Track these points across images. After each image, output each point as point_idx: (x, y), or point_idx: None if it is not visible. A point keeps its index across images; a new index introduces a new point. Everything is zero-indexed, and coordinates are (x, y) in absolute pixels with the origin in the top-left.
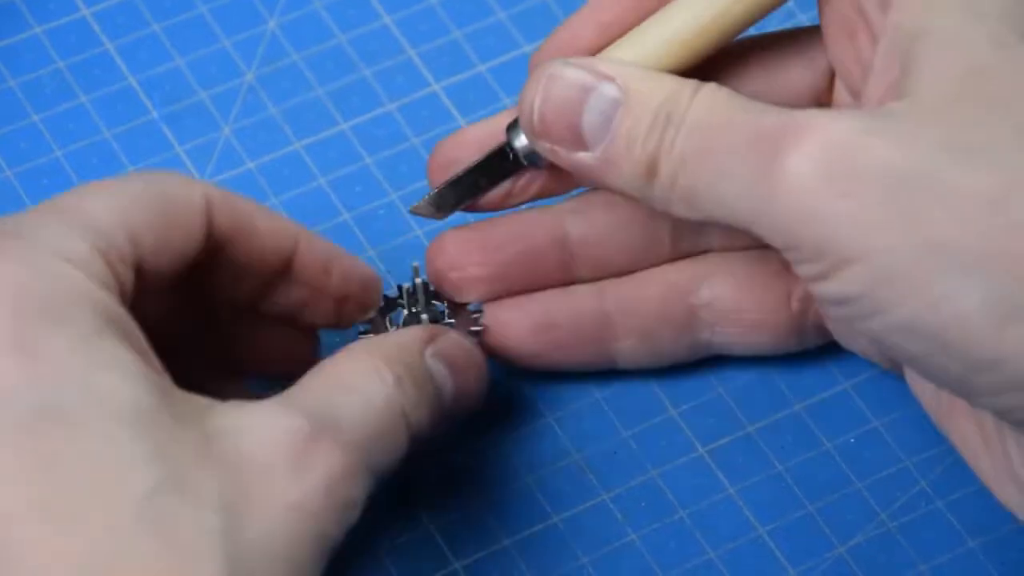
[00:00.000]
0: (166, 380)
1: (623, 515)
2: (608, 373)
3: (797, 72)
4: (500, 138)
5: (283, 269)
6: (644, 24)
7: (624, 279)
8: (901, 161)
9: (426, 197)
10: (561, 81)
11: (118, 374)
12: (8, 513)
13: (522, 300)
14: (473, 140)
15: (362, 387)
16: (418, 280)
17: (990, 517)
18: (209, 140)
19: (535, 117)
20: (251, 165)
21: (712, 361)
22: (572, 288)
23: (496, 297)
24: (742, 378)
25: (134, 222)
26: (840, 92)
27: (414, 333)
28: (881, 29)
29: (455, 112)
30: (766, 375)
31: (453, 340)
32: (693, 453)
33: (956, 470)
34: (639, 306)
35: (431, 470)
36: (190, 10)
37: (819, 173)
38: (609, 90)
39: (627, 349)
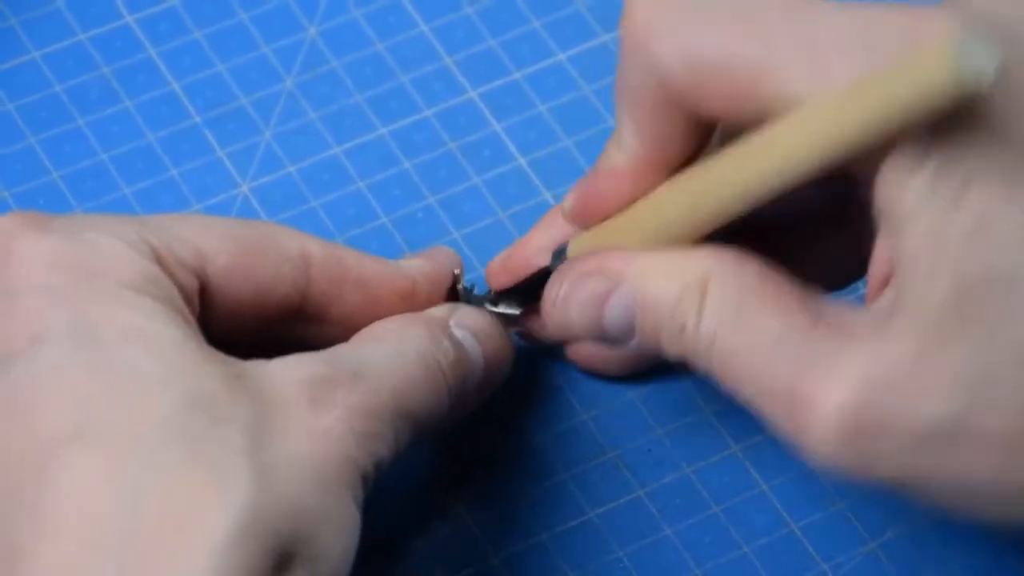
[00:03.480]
0: (199, 333)
1: (658, 510)
2: (641, 376)
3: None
4: (535, 261)
5: (405, 307)
6: (656, 195)
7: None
8: (920, 415)
9: (493, 297)
10: (575, 297)
11: (147, 312)
12: (53, 437)
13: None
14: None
15: (392, 340)
16: (459, 286)
17: None
18: (250, 144)
19: (563, 332)
20: (291, 169)
21: None
22: None
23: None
24: None
25: (202, 238)
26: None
27: (439, 309)
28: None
29: (491, 118)
30: None
31: (472, 311)
32: (726, 450)
33: None
34: None
35: (472, 467)
36: (231, 17)
37: (843, 449)
38: (623, 298)
39: None
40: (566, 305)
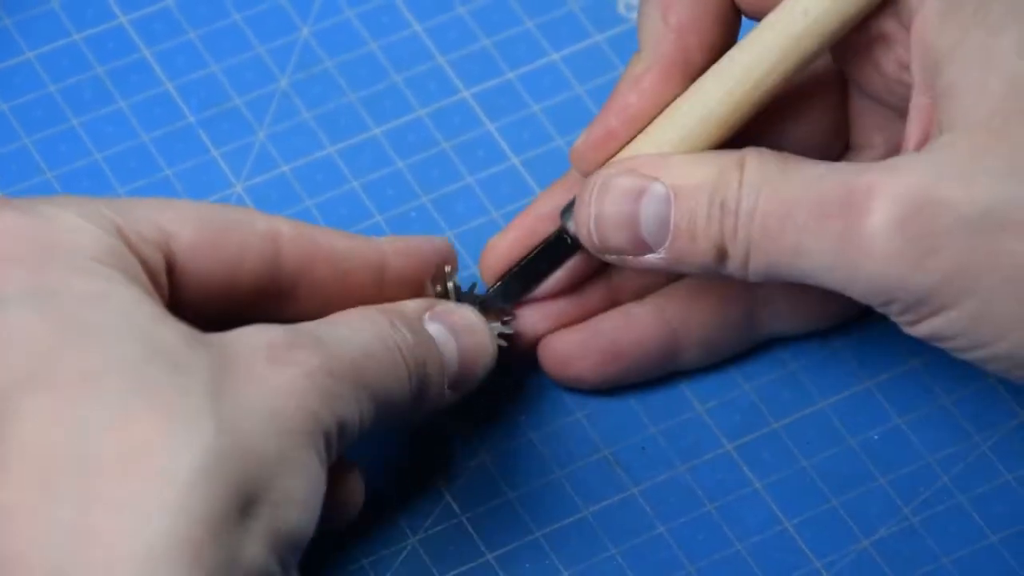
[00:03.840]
0: (160, 302)
1: (652, 508)
2: (615, 384)
3: (817, 100)
4: (547, 226)
5: (375, 285)
6: (678, 103)
7: (676, 291)
8: (974, 205)
9: (491, 290)
10: (610, 195)
11: (106, 278)
12: (7, 386)
13: (583, 334)
14: (516, 238)
15: (351, 321)
16: (449, 283)
17: (1012, 512)
18: (244, 144)
19: (595, 238)
20: (285, 169)
21: (737, 360)
22: (629, 310)
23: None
24: (767, 376)
25: (166, 216)
26: (860, 103)
27: (415, 303)
28: (901, 42)
29: (484, 118)
30: (791, 373)
31: (451, 306)
32: (720, 449)
33: (977, 466)
34: (701, 317)
35: (465, 464)
36: (225, 18)
37: (900, 240)
38: (658, 191)
39: (689, 358)
40: (601, 201)
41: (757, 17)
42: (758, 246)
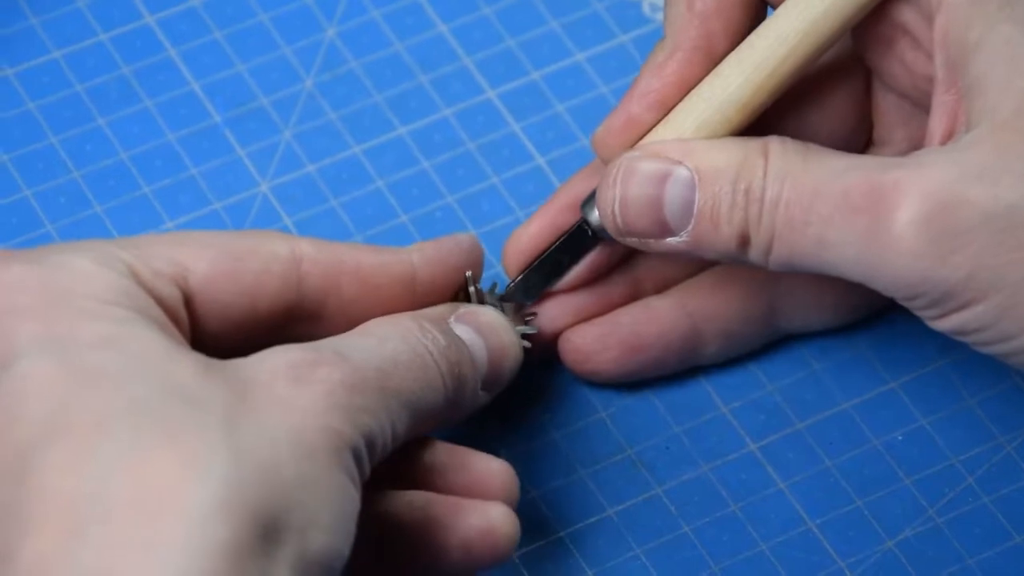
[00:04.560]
0: (175, 338)
1: (676, 508)
2: (636, 378)
3: (841, 92)
4: (568, 217)
5: (407, 296)
6: (699, 89)
7: (697, 285)
8: (999, 203)
9: (512, 284)
10: (635, 177)
11: (117, 320)
12: (26, 440)
13: (604, 327)
14: (539, 230)
15: (377, 330)
16: (471, 287)
17: None
18: (270, 144)
19: (618, 220)
20: (311, 168)
21: (761, 360)
22: (650, 303)
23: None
24: (791, 377)
25: (178, 249)
26: (883, 98)
27: (438, 308)
28: (923, 35)
29: (509, 118)
30: (814, 374)
31: (475, 308)
32: (744, 449)
33: (1002, 467)
34: (722, 311)
35: None
36: (251, 18)
37: (926, 236)
38: (683, 174)
39: (710, 352)
40: (626, 184)
41: (778, 3)
42: (781, 235)
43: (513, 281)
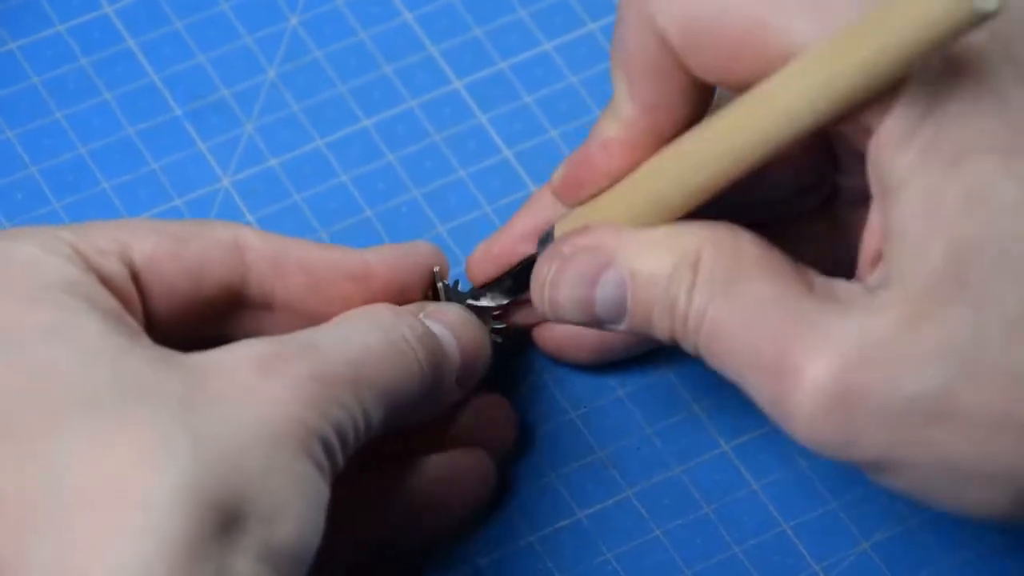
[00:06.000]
0: (128, 326)
1: (647, 511)
2: (630, 369)
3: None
4: (532, 244)
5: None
6: (649, 164)
7: None
8: (898, 395)
9: (476, 289)
10: (567, 276)
11: (65, 309)
12: None
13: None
14: (501, 251)
15: (350, 322)
16: (439, 284)
17: None
18: (232, 137)
19: (550, 315)
20: (273, 162)
21: None
22: None
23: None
24: None
25: (122, 229)
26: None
27: (408, 306)
28: (860, 147)
29: (476, 109)
30: None
31: (444, 305)
32: (716, 449)
33: None
34: None
35: None
36: (212, 7)
37: (825, 425)
38: (614, 277)
39: None
40: (556, 285)
41: (725, 86)
42: (706, 351)
43: (482, 286)
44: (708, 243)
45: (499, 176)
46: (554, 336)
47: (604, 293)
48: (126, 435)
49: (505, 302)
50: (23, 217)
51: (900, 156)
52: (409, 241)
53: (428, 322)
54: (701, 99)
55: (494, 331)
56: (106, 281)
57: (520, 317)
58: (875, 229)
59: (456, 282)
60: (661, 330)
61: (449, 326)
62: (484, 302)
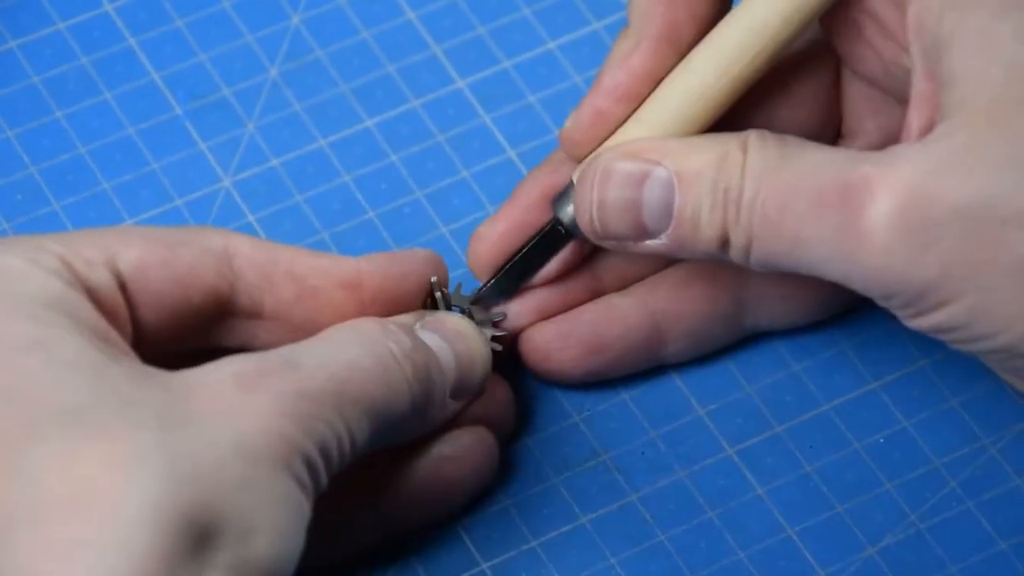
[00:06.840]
0: (111, 341)
1: (652, 515)
2: (634, 374)
3: (811, 83)
4: (536, 215)
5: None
6: (671, 82)
7: (660, 282)
8: (971, 198)
9: (485, 287)
10: (612, 180)
11: (46, 322)
12: None
13: (564, 325)
14: (507, 229)
15: (336, 337)
16: (438, 293)
17: (1021, 518)
18: (233, 137)
19: (596, 224)
20: (275, 162)
21: (739, 360)
22: (612, 301)
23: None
24: (770, 378)
25: (108, 237)
26: (853, 87)
27: (405, 316)
28: (892, 22)
29: (480, 108)
30: (794, 375)
31: (441, 314)
32: (721, 453)
33: (986, 470)
34: (686, 309)
35: None
36: (213, 5)
37: (897, 234)
38: (662, 176)
39: (675, 351)
40: (604, 187)
41: None
42: (759, 235)
43: (485, 284)
44: (751, 134)
45: (503, 177)
46: (540, 341)
47: (651, 195)
48: (100, 447)
49: (504, 311)
50: (23, 217)
51: (948, 13)
52: (406, 248)
53: (424, 333)
54: (717, 1)
55: (495, 339)
56: (93, 292)
57: (512, 315)
58: (924, 96)
59: (459, 285)
60: (711, 228)
61: (445, 336)
62: (482, 315)
